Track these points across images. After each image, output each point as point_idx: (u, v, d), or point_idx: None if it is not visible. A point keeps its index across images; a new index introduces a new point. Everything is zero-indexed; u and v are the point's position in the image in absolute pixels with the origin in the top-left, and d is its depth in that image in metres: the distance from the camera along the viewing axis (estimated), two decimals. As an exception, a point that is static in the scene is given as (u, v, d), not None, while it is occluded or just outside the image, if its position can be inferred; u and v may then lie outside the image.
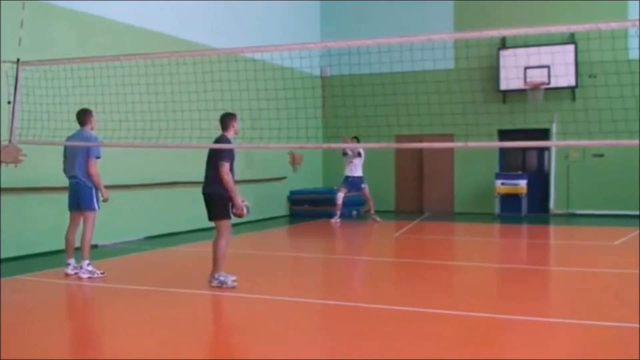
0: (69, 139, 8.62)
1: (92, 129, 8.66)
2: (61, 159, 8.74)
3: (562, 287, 8.44)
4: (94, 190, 8.44)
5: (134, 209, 12.27)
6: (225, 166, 7.63)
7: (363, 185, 15.39)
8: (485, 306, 7.04)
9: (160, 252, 11.13)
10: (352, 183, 15.36)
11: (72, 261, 8.62)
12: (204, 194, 7.86)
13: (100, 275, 8.39)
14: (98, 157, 8.44)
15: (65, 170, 8.68)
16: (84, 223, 8.50)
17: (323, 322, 6.68)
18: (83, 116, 8.60)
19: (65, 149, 8.66)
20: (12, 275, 8.73)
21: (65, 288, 8.12)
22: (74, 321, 6.70)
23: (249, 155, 14.96)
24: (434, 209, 18.36)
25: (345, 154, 15.16)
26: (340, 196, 15.26)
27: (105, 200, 8.54)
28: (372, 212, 15.51)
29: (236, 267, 8.27)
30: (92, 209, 8.47)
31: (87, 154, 8.36)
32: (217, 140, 7.91)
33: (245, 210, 7.75)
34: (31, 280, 8.56)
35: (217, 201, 7.73)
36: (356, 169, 15.20)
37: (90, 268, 8.39)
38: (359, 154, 15.08)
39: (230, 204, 7.76)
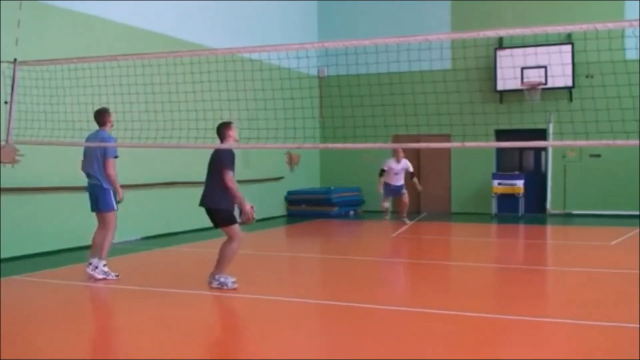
0: (87, 139, 8.53)
1: (110, 127, 8.55)
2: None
3: (560, 287, 8.45)
4: (111, 191, 8.35)
5: (131, 209, 12.23)
6: (230, 174, 7.55)
7: (404, 191, 14.69)
8: (484, 306, 7.05)
9: (158, 253, 11.12)
10: (393, 190, 14.66)
11: (94, 261, 8.46)
12: (205, 207, 7.75)
13: (115, 278, 8.27)
14: (116, 157, 8.33)
15: (83, 169, 8.53)
16: (105, 224, 8.41)
17: (322, 322, 6.69)
18: (101, 116, 8.46)
19: (85, 148, 8.54)
20: (12, 275, 8.73)
21: (65, 288, 8.11)
22: (73, 321, 6.68)
23: (245, 155, 14.97)
24: (431, 209, 18.37)
25: (383, 170, 14.45)
26: (386, 205, 14.80)
27: (120, 201, 8.44)
28: (404, 215, 14.98)
29: (234, 267, 8.26)
30: (110, 209, 8.38)
31: (104, 154, 8.26)
32: (215, 154, 7.77)
33: (253, 215, 7.70)
34: (31, 281, 8.55)
35: (220, 213, 7.68)
36: (399, 180, 14.52)
37: (105, 269, 8.30)
38: (413, 174, 14.75)
39: (234, 212, 7.74)
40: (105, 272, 8.29)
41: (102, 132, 8.46)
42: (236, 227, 7.74)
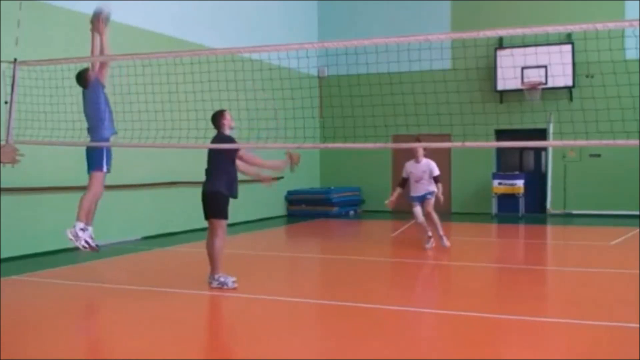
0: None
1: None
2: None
3: (560, 287, 8.46)
4: (104, 150, 7.76)
5: (131, 209, 12.26)
6: (242, 152, 7.72)
7: (429, 196, 10.90)
8: (484, 306, 7.05)
9: (157, 253, 11.13)
10: (420, 199, 11.00)
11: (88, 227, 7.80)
12: (204, 192, 7.84)
13: (86, 247, 7.49)
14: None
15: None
16: (89, 183, 7.75)
17: (322, 322, 6.69)
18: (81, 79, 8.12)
19: (84, 107, 8.08)
20: (12, 275, 8.73)
21: (65, 288, 8.10)
22: (73, 321, 6.69)
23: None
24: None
25: (405, 179, 11.21)
26: (420, 212, 10.91)
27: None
28: (441, 232, 11.03)
29: (234, 267, 8.27)
30: (99, 168, 7.75)
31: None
32: (219, 139, 7.90)
33: (293, 159, 7.77)
34: (31, 281, 8.56)
35: (217, 200, 7.72)
36: (423, 187, 10.94)
37: (80, 233, 7.48)
38: (437, 178, 10.96)
39: (227, 202, 7.79)
40: (74, 235, 7.44)
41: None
42: (224, 224, 7.81)
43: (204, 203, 7.86)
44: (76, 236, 7.51)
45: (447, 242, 10.84)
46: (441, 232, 10.85)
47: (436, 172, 10.91)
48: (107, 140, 7.95)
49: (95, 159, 7.91)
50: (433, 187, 10.81)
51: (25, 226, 10.26)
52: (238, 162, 7.81)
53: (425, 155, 10.99)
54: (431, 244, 10.94)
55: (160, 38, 12.96)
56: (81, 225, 7.56)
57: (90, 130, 8.10)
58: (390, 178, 18.69)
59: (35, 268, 9.27)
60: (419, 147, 10.80)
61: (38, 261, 9.92)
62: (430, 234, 10.92)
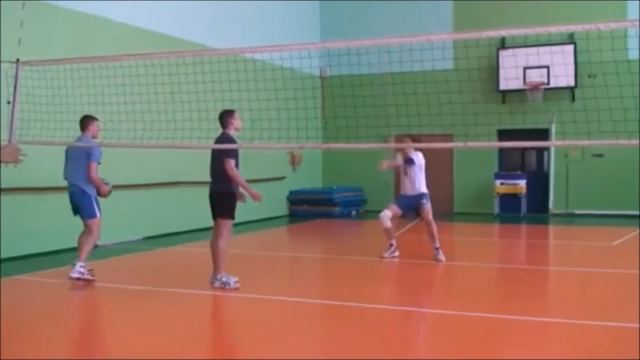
0: (69, 147, 8.49)
1: (94, 136, 8.48)
2: (62, 160, 8.66)
3: (561, 287, 8.45)
4: (93, 198, 8.26)
5: (133, 209, 12.27)
6: (230, 162, 7.63)
7: (424, 202, 10.21)
8: (485, 306, 7.05)
9: (159, 253, 11.13)
10: (409, 203, 10.43)
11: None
12: (210, 193, 7.88)
13: (90, 278, 8.07)
14: (99, 163, 8.27)
15: (65, 177, 8.47)
16: (89, 231, 8.29)
17: (323, 322, 6.69)
18: (83, 122, 8.46)
19: (66, 154, 8.48)
20: (12, 275, 8.73)
21: (65, 288, 8.10)
22: (73, 321, 6.70)
23: (245, 155, 14.98)
24: (433, 209, 18.19)
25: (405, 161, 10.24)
26: (387, 215, 10.10)
27: (104, 195, 8.40)
28: (437, 245, 9.97)
29: (236, 267, 8.27)
30: (93, 217, 8.28)
31: (88, 159, 8.19)
32: (219, 138, 7.91)
33: (261, 197, 7.74)
34: (31, 280, 8.56)
35: (222, 200, 7.73)
36: (412, 183, 10.23)
37: (81, 270, 8.05)
38: (411, 160, 10.11)
39: (234, 202, 7.79)
40: (80, 272, 8.04)
41: (85, 138, 8.40)
42: (229, 224, 7.81)
43: (210, 203, 7.87)
44: (81, 273, 8.07)
45: (442, 257, 9.75)
46: (437, 245, 9.87)
47: (413, 157, 10.03)
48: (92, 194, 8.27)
49: (87, 210, 8.31)
50: (424, 188, 10.14)
51: (25, 226, 10.27)
52: (227, 168, 7.69)
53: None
54: (391, 253, 10.16)
55: (162, 38, 12.97)
56: (82, 263, 8.10)
57: (75, 178, 8.29)
58: (392, 178, 18.67)
59: (35, 268, 9.28)
60: (406, 144, 10.12)
61: (38, 261, 9.92)
62: (393, 242, 10.15)
